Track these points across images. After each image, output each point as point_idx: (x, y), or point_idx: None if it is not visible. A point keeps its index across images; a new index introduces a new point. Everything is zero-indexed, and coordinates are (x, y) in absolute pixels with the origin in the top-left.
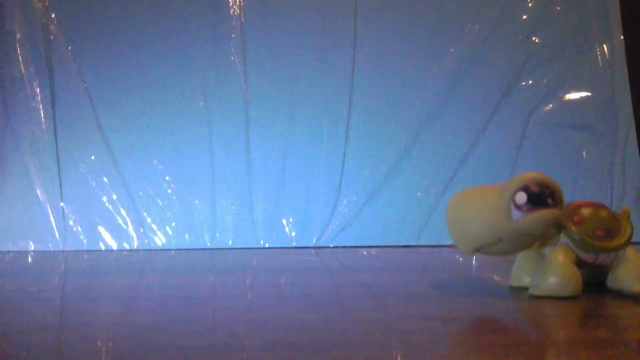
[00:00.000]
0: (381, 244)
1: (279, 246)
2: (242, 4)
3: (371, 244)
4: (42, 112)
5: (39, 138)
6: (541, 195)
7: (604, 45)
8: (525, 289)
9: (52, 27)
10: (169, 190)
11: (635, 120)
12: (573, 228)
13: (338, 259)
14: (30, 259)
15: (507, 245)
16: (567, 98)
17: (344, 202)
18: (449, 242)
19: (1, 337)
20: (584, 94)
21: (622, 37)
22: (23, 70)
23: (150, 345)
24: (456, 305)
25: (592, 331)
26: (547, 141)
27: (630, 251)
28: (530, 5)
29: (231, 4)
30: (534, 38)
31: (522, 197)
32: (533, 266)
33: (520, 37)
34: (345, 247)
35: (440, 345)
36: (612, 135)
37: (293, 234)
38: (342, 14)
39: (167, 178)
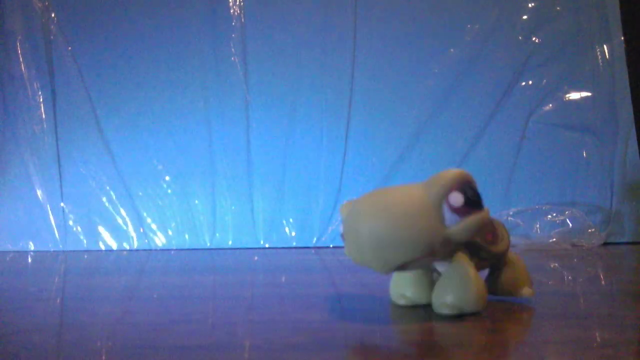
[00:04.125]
0: None
1: (279, 246)
2: (242, 4)
3: None
4: (42, 112)
5: (39, 138)
6: (479, 196)
7: (604, 45)
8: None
9: (52, 27)
10: (169, 191)
11: (635, 120)
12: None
13: (338, 259)
14: (30, 259)
15: (433, 257)
16: (567, 98)
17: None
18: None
19: (1, 337)
20: (584, 94)
21: (622, 37)
22: (23, 70)
23: (150, 345)
24: None
25: (592, 331)
26: (547, 141)
27: (512, 255)
28: (530, 5)
29: (231, 4)
30: (534, 38)
31: (458, 199)
32: (416, 280)
33: (520, 37)
34: None
35: (440, 345)
36: (612, 135)
37: (293, 234)
38: (342, 14)
39: (167, 178)
